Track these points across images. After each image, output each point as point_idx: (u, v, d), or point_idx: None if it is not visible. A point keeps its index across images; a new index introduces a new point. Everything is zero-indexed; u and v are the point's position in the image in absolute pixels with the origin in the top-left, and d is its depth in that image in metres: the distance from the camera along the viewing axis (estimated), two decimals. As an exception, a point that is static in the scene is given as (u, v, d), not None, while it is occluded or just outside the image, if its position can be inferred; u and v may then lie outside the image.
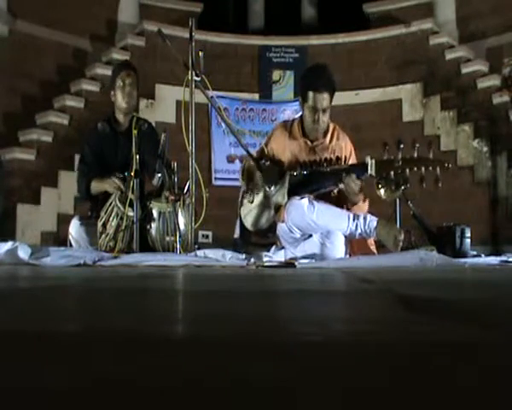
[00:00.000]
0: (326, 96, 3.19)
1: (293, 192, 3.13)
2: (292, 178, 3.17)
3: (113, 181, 3.38)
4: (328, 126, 3.31)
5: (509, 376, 0.44)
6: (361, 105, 7.03)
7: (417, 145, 3.00)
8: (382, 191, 3.04)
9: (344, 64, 7.03)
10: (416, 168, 2.96)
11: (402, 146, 3.00)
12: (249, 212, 3.30)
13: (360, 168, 3.05)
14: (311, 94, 3.19)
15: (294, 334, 0.64)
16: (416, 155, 2.98)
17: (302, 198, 3.06)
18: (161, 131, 3.38)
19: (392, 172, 2.97)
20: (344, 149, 3.30)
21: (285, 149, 3.31)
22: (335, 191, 3.20)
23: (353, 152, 3.35)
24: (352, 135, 3.59)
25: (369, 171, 3.01)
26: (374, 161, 3.01)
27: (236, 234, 3.42)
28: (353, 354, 0.53)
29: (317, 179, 3.15)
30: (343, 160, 3.20)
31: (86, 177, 3.55)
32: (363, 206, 3.18)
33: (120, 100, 3.54)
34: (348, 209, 3.15)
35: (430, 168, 2.95)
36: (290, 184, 3.15)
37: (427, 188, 3.00)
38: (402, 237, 3.01)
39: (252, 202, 3.29)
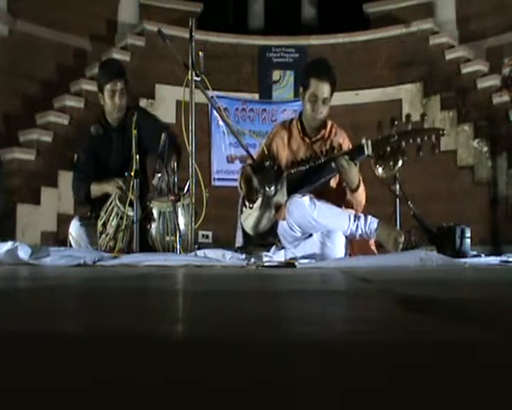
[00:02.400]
0: (327, 86, 3.21)
1: (292, 190, 3.13)
2: (290, 176, 3.17)
3: (116, 181, 3.37)
4: (325, 123, 3.32)
5: (509, 376, 0.44)
6: (361, 105, 7.03)
7: (411, 118, 3.03)
8: (380, 170, 3.05)
9: (344, 64, 7.02)
10: (411, 140, 2.99)
11: (396, 123, 3.02)
12: (249, 216, 3.30)
13: (357, 151, 3.07)
14: (312, 81, 3.21)
15: (294, 334, 0.64)
16: (410, 127, 3.01)
17: (303, 196, 3.06)
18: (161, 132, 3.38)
19: (388, 148, 2.98)
20: (341, 143, 3.31)
21: (285, 147, 3.32)
22: (333, 186, 3.21)
23: (350, 147, 3.35)
24: (352, 135, 3.59)
25: (365, 151, 3.02)
26: (370, 141, 3.03)
27: (238, 243, 3.41)
28: (353, 354, 0.53)
29: (314, 172, 3.15)
30: (338, 149, 3.21)
31: (84, 181, 3.53)
32: (363, 192, 3.18)
33: (111, 109, 3.54)
34: (348, 206, 3.16)
35: (426, 138, 2.98)
36: (289, 182, 3.15)
37: (423, 164, 3.03)
38: (402, 239, 3.01)
39: (251, 208, 3.29)
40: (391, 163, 3.02)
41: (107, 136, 3.58)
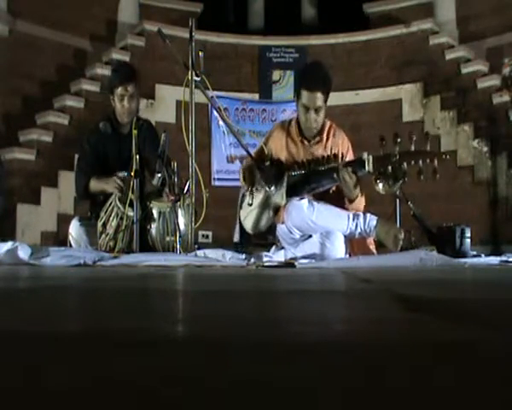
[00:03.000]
0: (319, 95, 3.16)
1: (291, 192, 3.13)
2: (290, 178, 3.16)
3: (115, 181, 3.37)
4: (324, 125, 3.31)
5: (509, 376, 0.44)
6: (361, 105, 7.03)
7: (414, 138, 2.99)
8: (381, 186, 3.02)
9: (344, 64, 7.03)
10: (413, 162, 2.95)
11: (399, 140, 2.98)
12: (249, 214, 3.29)
13: (357, 165, 3.05)
14: (303, 92, 3.18)
15: (294, 334, 0.64)
16: (413, 148, 2.97)
17: (301, 199, 3.06)
18: (161, 131, 3.38)
19: (389, 167, 2.95)
20: (340, 145, 3.29)
21: (283, 148, 3.31)
22: (333, 188, 3.20)
23: (350, 149, 3.34)
24: (352, 135, 3.59)
25: (366, 167, 2.99)
26: (371, 157, 2.99)
27: (236, 238, 3.41)
28: (353, 354, 0.53)
29: (314, 178, 3.14)
30: (340, 156, 3.18)
31: (85, 175, 3.53)
32: (361, 202, 3.17)
33: (121, 112, 3.53)
34: (346, 208, 3.15)
35: (428, 161, 2.94)
36: (288, 184, 3.14)
37: (426, 181, 2.99)
38: (402, 235, 3.00)
39: (251, 205, 3.28)
40: (391, 182, 2.99)
41: (115, 136, 3.57)
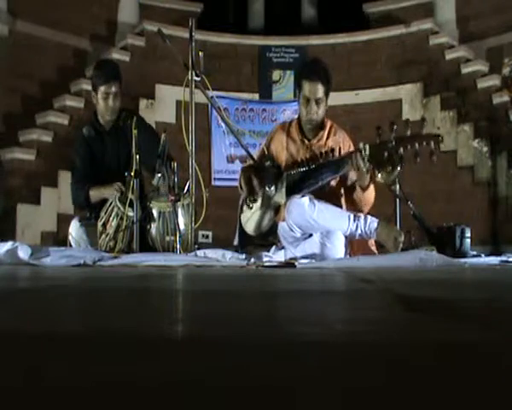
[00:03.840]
0: (320, 86, 3.20)
1: (291, 191, 3.13)
2: (289, 177, 3.17)
3: (113, 186, 3.37)
4: (324, 124, 3.31)
5: (509, 376, 0.44)
6: (361, 105, 7.03)
7: (410, 124, 3.00)
8: (379, 175, 3.03)
9: (344, 64, 7.03)
10: (409, 146, 2.96)
11: (395, 127, 2.99)
12: (250, 217, 3.29)
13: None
14: (304, 83, 3.21)
15: (294, 334, 0.64)
16: (409, 133, 2.98)
17: (303, 197, 3.06)
18: (161, 132, 3.38)
19: (386, 154, 2.96)
20: (342, 144, 3.29)
21: (284, 150, 3.32)
22: (334, 182, 3.20)
23: (352, 148, 3.34)
24: (352, 135, 3.59)
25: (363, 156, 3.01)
26: (367, 146, 3.01)
27: (236, 241, 3.41)
28: (353, 354, 0.53)
29: (313, 174, 3.14)
30: (339, 151, 3.19)
31: (83, 187, 3.52)
32: (372, 190, 3.17)
33: (104, 111, 3.51)
34: (351, 207, 3.15)
35: (424, 144, 2.95)
36: (288, 183, 3.15)
37: (422, 164, 2.99)
38: (402, 238, 3.01)
39: (251, 208, 3.29)
40: (389, 168, 3.00)
41: (100, 137, 3.57)
